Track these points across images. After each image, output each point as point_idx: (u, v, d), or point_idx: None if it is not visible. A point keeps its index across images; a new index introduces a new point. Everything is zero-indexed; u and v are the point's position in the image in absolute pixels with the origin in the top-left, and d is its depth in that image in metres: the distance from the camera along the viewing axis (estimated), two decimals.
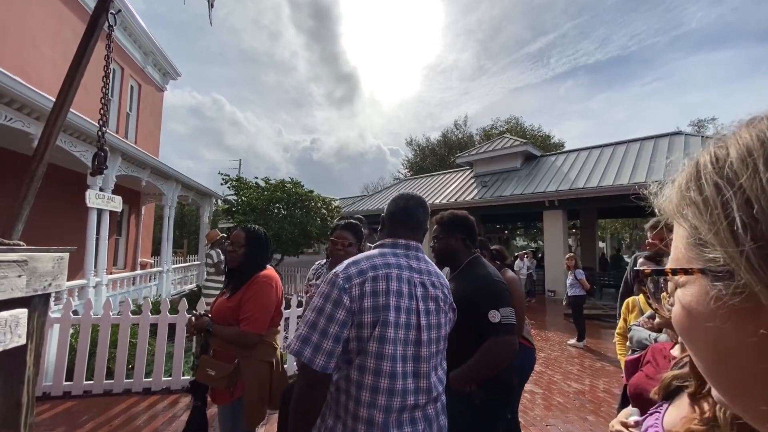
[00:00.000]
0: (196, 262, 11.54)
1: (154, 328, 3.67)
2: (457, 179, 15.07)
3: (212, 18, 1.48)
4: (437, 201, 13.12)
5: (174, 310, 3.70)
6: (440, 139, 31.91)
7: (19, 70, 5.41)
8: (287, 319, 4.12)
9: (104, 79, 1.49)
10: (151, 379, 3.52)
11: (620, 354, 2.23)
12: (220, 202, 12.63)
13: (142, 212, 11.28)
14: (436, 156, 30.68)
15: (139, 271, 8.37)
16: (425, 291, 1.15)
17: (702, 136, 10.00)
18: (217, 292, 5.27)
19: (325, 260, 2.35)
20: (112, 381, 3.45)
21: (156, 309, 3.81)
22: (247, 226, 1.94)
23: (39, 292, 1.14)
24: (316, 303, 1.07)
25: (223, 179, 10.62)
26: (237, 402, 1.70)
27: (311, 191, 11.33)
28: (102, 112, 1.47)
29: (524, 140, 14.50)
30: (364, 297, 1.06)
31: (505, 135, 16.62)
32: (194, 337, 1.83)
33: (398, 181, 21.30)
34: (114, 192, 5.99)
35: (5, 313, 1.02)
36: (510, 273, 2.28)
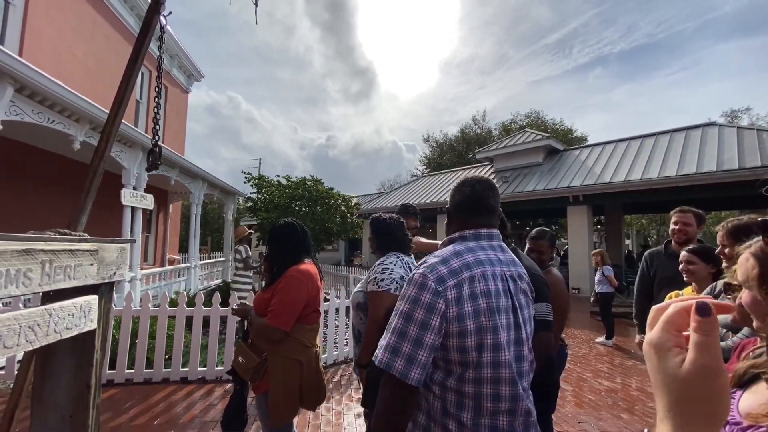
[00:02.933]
0: (221, 259, 11.87)
1: (188, 321, 3.81)
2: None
3: (236, 13, 1.52)
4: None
5: (208, 303, 3.83)
6: (458, 135, 31.55)
7: (55, 74, 5.70)
8: (326, 312, 4.18)
9: (155, 86, 1.56)
10: (187, 369, 3.67)
11: None
12: (242, 200, 12.93)
13: (170, 210, 11.69)
14: (454, 152, 30.36)
15: (168, 267, 8.69)
16: (516, 285, 1.07)
17: (737, 127, 9.50)
18: (246, 286, 5.44)
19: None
20: (152, 370, 3.61)
21: (191, 302, 3.96)
22: (276, 223, 1.95)
23: (106, 280, 1.21)
24: (403, 308, 0.97)
25: (246, 178, 10.86)
26: (266, 394, 1.70)
27: (331, 188, 11.45)
28: (155, 113, 1.54)
29: (546, 134, 14.16)
30: (463, 301, 0.95)
31: (525, 129, 16.26)
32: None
33: (416, 178, 21.20)
34: (145, 191, 6.23)
35: (80, 299, 1.09)
36: (555, 271, 2.23)
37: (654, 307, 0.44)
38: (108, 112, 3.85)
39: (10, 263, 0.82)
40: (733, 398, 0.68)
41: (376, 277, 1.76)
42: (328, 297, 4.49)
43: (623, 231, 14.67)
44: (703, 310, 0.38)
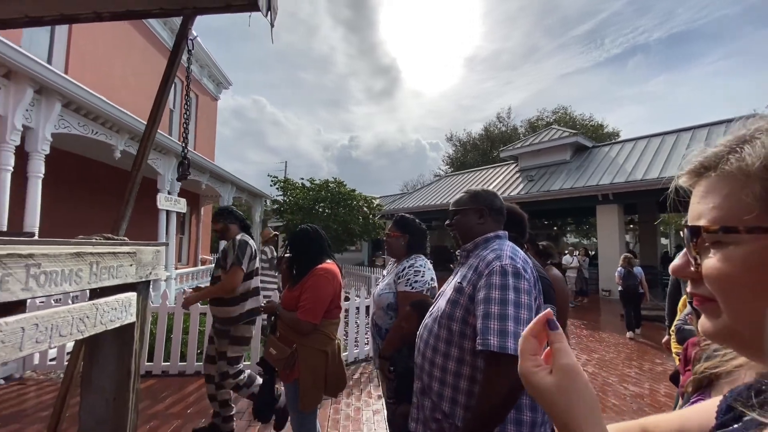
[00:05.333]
0: None
1: None
2: (502, 174, 14.63)
3: (272, 33, 1.64)
4: None
5: None
6: (482, 133, 31.07)
7: (97, 89, 6.17)
8: (347, 310, 4.32)
9: (184, 103, 1.72)
10: None
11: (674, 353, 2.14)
12: (269, 202, 13.40)
13: (202, 213, 12.28)
14: (478, 151, 29.93)
15: (200, 267, 9.15)
16: None
17: None
18: (272, 285, 5.67)
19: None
20: (185, 363, 3.86)
21: None
22: (298, 227, 2.10)
23: (143, 279, 1.36)
24: (509, 296, 1.06)
25: (272, 181, 11.27)
26: (295, 382, 1.86)
27: (353, 190, 11.64)
28: (184, 128, 1.70)
29: (573, 131, 13.71)
30: (536, 283, 1.15)
31: (552, 126, 15.81)
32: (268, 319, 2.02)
33: (439, 178, 21.08)
34: (178, 195, 6.62)
35: (121, 296, 1.24)
36: (555, 270, 2.24)
37: (522, 335, 0.48)
38: (145, 123, 4.15)
39: (65, 264, 0.96)
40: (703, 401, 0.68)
41: (409, 279, 1.86)
42: (348, 296, 4.61)
43: (659, 231, 13.97)
44: (552, 324, 0.45)
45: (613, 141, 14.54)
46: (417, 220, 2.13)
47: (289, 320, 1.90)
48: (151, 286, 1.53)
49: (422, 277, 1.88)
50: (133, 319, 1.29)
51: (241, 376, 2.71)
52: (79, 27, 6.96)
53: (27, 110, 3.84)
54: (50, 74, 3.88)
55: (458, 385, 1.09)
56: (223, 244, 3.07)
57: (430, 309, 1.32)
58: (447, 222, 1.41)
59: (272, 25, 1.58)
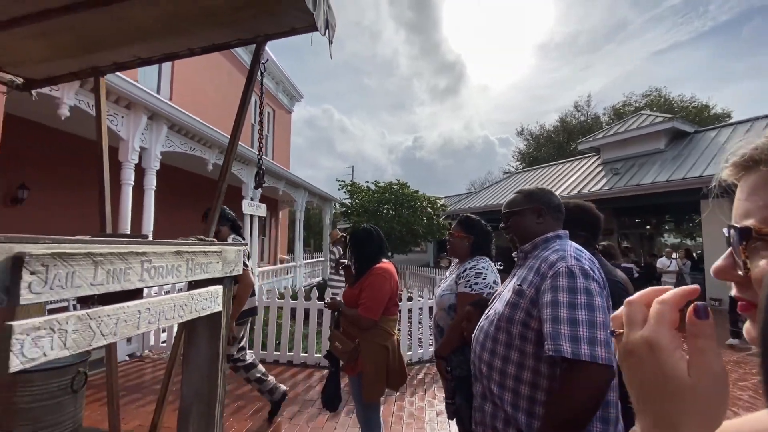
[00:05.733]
0: (320, 258, 13.13)
1: (294, 312, 4.40)
2: (581, 168, 13.38)
3: (330, 49, 1.77)
4: (557, 194, 11.88)
5: (308, 297, 4.37)
6: (557, 125, 28.74)
7: (194, 111, 7.15)
8: (399, 310, 4.41)
9: (258, 120, 1.94)
10: (292, 354, 4.25)
11: None
12: (337, 205, 14.11)
13: (279, 216, 13.43)
14: (552, 144, 27.78)
15: (279, 266, 10.01)
16: None
17: None
18: (340, 284, 5.98)
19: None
20: (266, 352, 4.28)
21: (294, 296, 4.56)
22: (356, 227, 2.22)
23: (227, 274, 1.58)
24: (579, 299, 1.01)
25: (339, 185, 11.85)
26: (359, 375, 1.97)
27: (417, 191, 11.67)
28: (260, 143, 1.92)
29: (669, 115, 11.95)
30: (605, 285, 1.11)
31: (642, 112, 13.96)
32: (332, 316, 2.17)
33: (509, 175, 20.03)
34: (260, 201, 7.35)
35: (211, 288, 1.45)
36: (619, 273, 2.02)
37: (632, 300, 0.40)
38: (228, 136, 4.66)
39: (168, 260, 1.17)
40: None
41: (469, 281, 1.85)
42: (412, 296, 4.66)
43: None
44: (702, 312, 0.35)
45: (722, 124, 12.33)
46: (482, 221, 2.10)
47: (351, 316, 2.02)
48: (234, 282, 1.75)
49: (483, 279, 1.85)
50: (219, 308, 1.50)
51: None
52: (182, 59, 8.15)
53: (143, 133, 4.64)
54: (159, 103, 4.63)
55: (518, 389, 1.07)
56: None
57: (486, 311, 1.30)
58: (502, 225, 1.37)
59: (330, 42, 1.71)
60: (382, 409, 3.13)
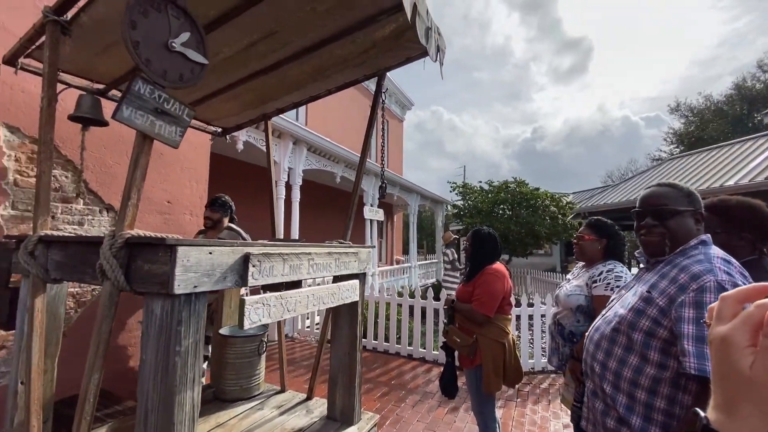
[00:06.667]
0: (434, 260, 13.40)
1: (411, 310, 4.74)
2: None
3: (441, 70, 1.96)
4: (729, 182, 9.02)
5: (423, 296, 4.64)
6: (731, 93, 22.45)
7: (324, 132, 8.29)
8: (519, 316, 4.28)
9: (380, 143, 2.28)
10: (411, 348, 4.57)
11: None
12: (449, 207, 14.16)
13: (394, 220, 14.28)
14: (724, 118, 21.86)
15: (395, 266, 10.68)
16: None
17: None
18: (454, 285, 6.10)
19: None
20: (388, 344, 4.72)
21: (411, 295, 4.90)
22: (475, 229, 2.36)
23: (361, 271, 1.92)
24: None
25: (451, 187, 11.88)
26: (477, 368, 2.10)
27: (537, 189, 10.82)
28: (381, 161, 2.25)
29: None
30: None
31: None
32: (444, 310, 2.37)
33: (659, 162, 16.55)
34: (378, 207, 8.07)
35: (350, 282, 1.81)
36: None
37: (725, 296, 0.42)
38: (353, 152, 5.34)
39: (323, 259, 1.55)
40: None
41: (609, 283, 1.82)
42: (533, 302, 4.44)
43: None
44: None
45: None
46: (616, 226, 2.02)
47: (465, 310, 2.17)
48: (366, 278, 2.10)
49: (624, 282, 1.78)
50: (356, 298, 1.85)
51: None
52: None
53: (289, 156, 5.70)
54: (301, 131, 5.62)
55: (634, 394, 1.05)
56: None
57: (603, 312, 1.28)
58: (652, 223, 1.18)
59: (441, 64, 1.90)
60: (501, 412, 3.14)
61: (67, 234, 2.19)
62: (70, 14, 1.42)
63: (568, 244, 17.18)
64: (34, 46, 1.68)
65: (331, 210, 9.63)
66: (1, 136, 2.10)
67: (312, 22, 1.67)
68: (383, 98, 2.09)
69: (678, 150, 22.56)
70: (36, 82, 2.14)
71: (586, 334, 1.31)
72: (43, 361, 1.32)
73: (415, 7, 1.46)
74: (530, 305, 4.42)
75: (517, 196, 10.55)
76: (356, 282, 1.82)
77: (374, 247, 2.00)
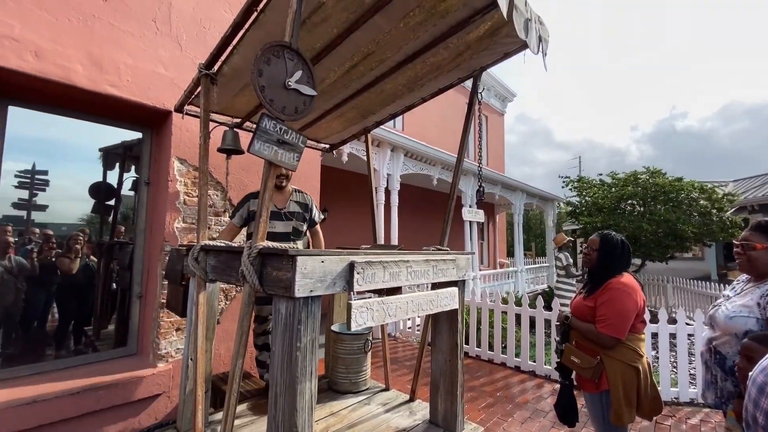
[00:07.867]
0: (545, 264, 12.20)
1: (518, 319, 4.42)
2: None
3: (545, 61, 1.80)
4: None
5: (533, 305, 4.28)
6: None
7: (420, 137, 8.39)
8: (656, 334, 3.60)
9: (477, 145, 2.22)
10: (520, 360, 4.26)
11: None
12: (562, 204, 12.72)
13: (497, 221, 13.52)
14: None
15: (499, 270, 10.10)
16: None
17: None
18: (569, 293, 5.46)
19: None
20: (493, 353, 4.50)
21: (518, 302, 4.57)
22: (604, 232, 2.01)
23: (460, 278, 1.89)
24: None
25: (563, 182, 10.68)
26: (603, 394, 1.82)
27: (679, 179, 8.92)
28: (479, 162, 2.18)
29: None
30: None
31: None
32: (555, 326, 2.12)
33: None
34: (477, 207, 7.77)
35: (449, 289, 1.80)
36: None
37: None
38: (449, 154, 5.27)
39: (421, 266, 1.58)
40: None
41: None
42: (676, 318, 3.67)
43: None
44: None
45: None
46: None
47: (587, 332, 1.88)
48: (465, 285, 2.05)
49: None
50: (456, 306, 1.83)
51: None
52: None
53: (388, 163, 5.96)
54: (398, 138, 5.83)
55: None
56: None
57: None
58: None
59: (545, 55, 1.75)
60: None
61: (219, 244, 2.73)
62: (215, 67, 1.78)
63: (727, 245, 13.59)
64: (193, 96, 2.15)
65: (428, 210, 9.69)
66: (174, 166, 2.74)
67: (405, 35, 1.73)
68: (479, 98, 2.03)
69: None
70: (194, 122, 2.73)
71: (750, 373, 1.03)
72: (205, 344, 1.67)
73: (511, 1, 1.39)
74: (672, 322, 3.67)
75: (651, 189, 8.86)
76: (455, 290, 1.80)
77: (474, 253, 1.95)
